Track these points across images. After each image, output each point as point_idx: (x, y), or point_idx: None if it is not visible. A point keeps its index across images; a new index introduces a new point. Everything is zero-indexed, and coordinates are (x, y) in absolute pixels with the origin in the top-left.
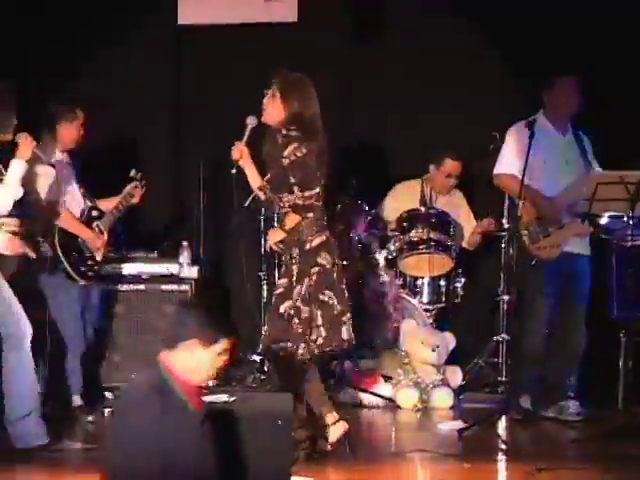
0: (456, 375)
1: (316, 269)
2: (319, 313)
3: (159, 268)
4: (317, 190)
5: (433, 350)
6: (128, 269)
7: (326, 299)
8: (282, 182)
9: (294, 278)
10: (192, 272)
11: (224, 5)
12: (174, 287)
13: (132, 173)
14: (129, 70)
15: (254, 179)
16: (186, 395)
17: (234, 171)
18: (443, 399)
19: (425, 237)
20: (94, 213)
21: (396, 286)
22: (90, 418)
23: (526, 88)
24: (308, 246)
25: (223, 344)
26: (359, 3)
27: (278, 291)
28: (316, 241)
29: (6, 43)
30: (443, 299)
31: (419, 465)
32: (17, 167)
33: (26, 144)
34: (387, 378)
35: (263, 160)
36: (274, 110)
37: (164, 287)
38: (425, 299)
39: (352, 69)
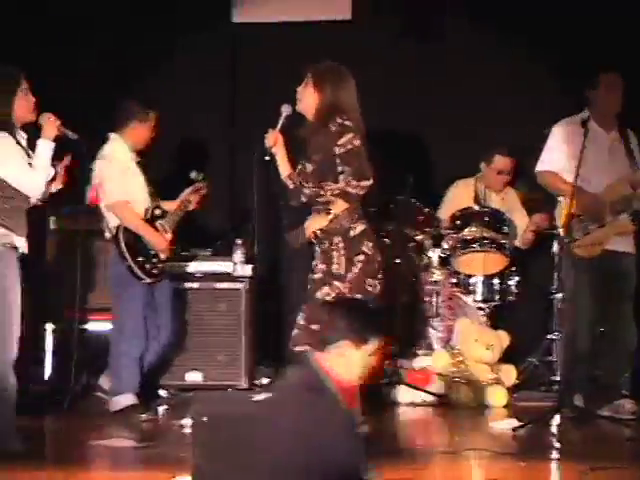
0: (510, 373)
1: (361, 257)
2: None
3: (213, 266)
4: (372, 181)
5: (487, 348)
6: (182, 267)
7: (370, 289)
8: (328, 170)
9: (334, 266)
10: (246, 270)
11: (279, 3)
12: (228, 285)
13: (193, 175)
14: (184, 70)
15: (284, 167)
16: (341, 395)
17: (267, 158)
18: (497, 398)
19: (479, 235)
20: (157, 212)
21: (450, 284)
22: (144, 416)
23: (574, 87)
24: (352, 233)
25: (374, 344)
26: (411, 2)
27: (316, 276)
28: (359, 229)
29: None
30: (497, 297)
31: (473, 464)
32: (44, 148)
33: (50, 123)
34: (441, 376)
35: (300, 147)
36: (308, 99)
37: (218, 285)
38: (479, 297)
39: (405, 67)
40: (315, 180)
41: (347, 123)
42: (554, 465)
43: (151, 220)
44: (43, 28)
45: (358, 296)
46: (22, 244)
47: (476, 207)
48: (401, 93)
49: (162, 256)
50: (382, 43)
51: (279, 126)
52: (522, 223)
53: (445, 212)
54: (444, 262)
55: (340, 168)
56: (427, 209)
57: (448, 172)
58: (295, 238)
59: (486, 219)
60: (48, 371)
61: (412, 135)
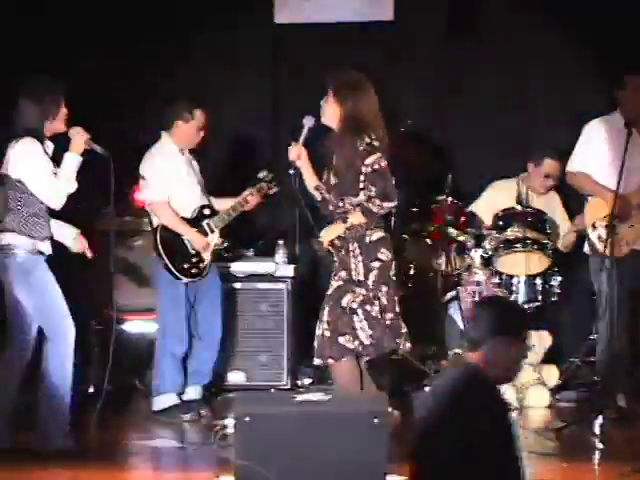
0: (552, 374)
1: (377, 264)
2: (376, 310)
3: (255, 266)
4: (396, 202)
5: (529, 349)
6: (225, 268)
7: (382, 297)
8: (351, 186)
9: (353, 272)
10: (288, 271)
11: (321, 4)
12: (270, 286)
13: (261, 174)
14: (225, 70)
15: (311, 179)
16: (495, 390)
17: (292, 171)
18: (539, 398)
19: (521, 235)
20: (206, 211)
21: (492, 285)
22: (187, 417)
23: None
24: (367, 240)
25: (526, 339)
26: (454, 2)
27: (337, 284)
28: (375, 236)
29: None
30: (539, 298)
31: None
32: (70, 161)
33: (79, 137)
34: None
35: (323, 160)
36: (330, 110)
37: (260, 285)
38: (521, 298)
39: (447, 68)
40: (337, 193)
41: (375, 143)
42: (596, 466)
43: (198, 219)
44: (44, 28)
45: (375, 303)
46: (46, 248)
47: (519, 207)
48: (441, 93)
49: (205, 255)
50: (424, 43)
51: (302, 139)
52: (564, 226)
53: (485, 212)
54: (486, 262)
55: (362, 185)
56: (468, 209)
57: (488, 171)
58: (320, 245)
59: (529, 219)
60: (90, 371)
61: (452, 135)
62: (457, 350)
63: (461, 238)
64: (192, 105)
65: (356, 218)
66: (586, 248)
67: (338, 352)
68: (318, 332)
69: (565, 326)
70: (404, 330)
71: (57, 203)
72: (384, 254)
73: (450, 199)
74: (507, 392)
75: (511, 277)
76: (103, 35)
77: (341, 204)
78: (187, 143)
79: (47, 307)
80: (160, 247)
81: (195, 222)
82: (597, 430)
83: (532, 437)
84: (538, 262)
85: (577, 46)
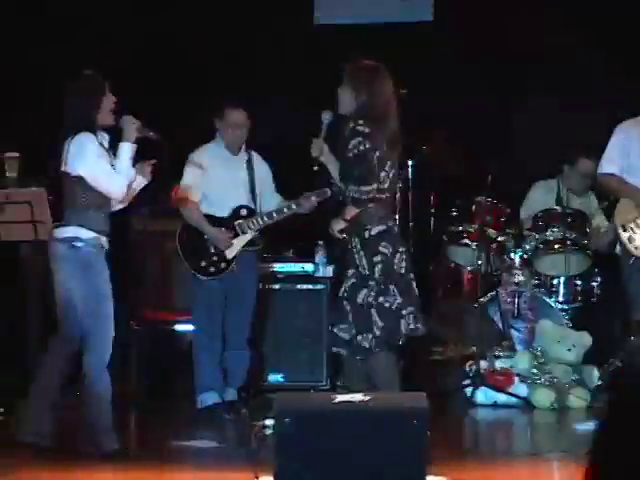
0: (592, 375)
1: (378, 258)
2: (386, 309)
3: (295, 267)
4: (374, 186)
5: (569, 350)
6: (265, 269)
7: (391, 289)
8: (347, 173)
9: (360, 268)
10: (327, 271)
11: (360, 5)
12: (309, 286)
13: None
14: (260, 69)
15: (336, 173)
16: None
17: (316, 168)
18: (579, 399)
19: (561, 236)
20: (243, 212)
21: (532, 285)
22: (228, 416)
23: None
24: (367, 234)
25: None
26: (491, 2)
27: (350, 282)
28: (375, 230)
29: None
30: (579, 298)
31: (556, 466)
32: (125, 150)
33: (130, 125)
34: (522, 378)
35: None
36: (345, 99)
37: (299, 286)
38: (561, 298)
39: (484, 69)
40: (342, 182)
41: (359, 128)
42: None
43: (230, 219)
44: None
45: (383, 299)
46: (106, 242)
47: (559, 208)
48: (479, 93)
49: (228, 255)
50: (463, 44)
51: (322, 134)
52: (602, 226)
53: (525, 213)
54: (526, 263)
55: (354, 172)
56: (509, 209)
57: (528, 172)
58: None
59: (569, 220)
60: (132, 370)
61: (491, 135)
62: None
63: (500, 239)
64: (223, 105)
65: (349, 212)
66: (618, 249)
67: (359, 351)
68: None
69: (605, 327)
70: (403, 329)
71: (118, 194)
72: (385, 248)
73: (490, 199)
74: (547, 393)
75: (551, 278)
76: (136, 35)
77: (347, 193)
78: (229, 143)
79: (98, 304)
80: (178, 245)
81: (226, 221)
82: None
83: (572, 438)
84: (578, 263)
85: (613, 45)
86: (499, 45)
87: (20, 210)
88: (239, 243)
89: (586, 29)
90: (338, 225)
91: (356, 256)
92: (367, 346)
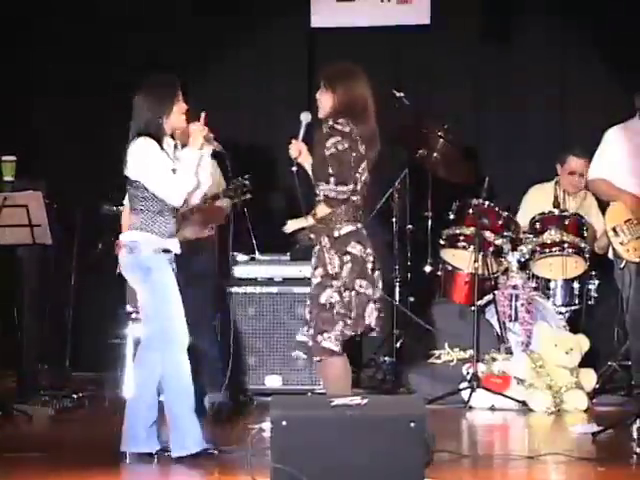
0: (590, 378)
1: (348, 257)
2: (355, 302)
3: (291, 271)
4: (351, 187)
5: (566, 352)
6: (260, 272)
7: (361, 290)
8: (321, 171)
9: (329, 267)
10: None
11: (357, 8)
12: (306, 290)
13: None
14: (260, 73)
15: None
16: None
17: (294, 169)
18: (577, 402)
19: (558, 239)
20: None
21: (529, 288)
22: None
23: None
24: (337, 233)
25: None
26: (488, 4)
27: (316, 281)
28: (345, 229)
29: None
30: (576, 301)
31: (552, 468)
32: (189, 156)
33: (198, 133)
34: (519, 381)
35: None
36: (325, 102)
37: (296, 290)
38: (558, 301)
39: (482, 70)
40: (314, 180)
41: (337, 127)
42: (635, 470)
43: None
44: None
45: (348, 295)
46: (173, 245)
47: (556, 211)
48: (476, 95)
49: None
50: (458, 46)
51: (301, 135)
52: (599, 228)
53: (522, 216)
54: (523, 266)
55: (330, 170)
56: (505, 212)
57: (524, 174)
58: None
59: (565, 223)
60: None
61: (488, 137)
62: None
63: (497, 242)
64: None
65: (321, 210)
66: (610, 253)
67: (317, 351)
68: (306, 332)
69: (602, 330)
70: (371, 323)
71: (176, 200)
72: (355, 248)
73: (487, 202)
74: (544, 396)
75: (548, 281)
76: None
77: (317, 191)
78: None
79: (165, 308)
80: None
81: None
82: (635, 434)
83: (569, 441)
84: (575, 266)
85: (612, 47)
86: (492, 45)
87: (17, 213)
88: None
89: (581, 28)
90: (302, 222)
91: (326, 255)
92: (327, 346)
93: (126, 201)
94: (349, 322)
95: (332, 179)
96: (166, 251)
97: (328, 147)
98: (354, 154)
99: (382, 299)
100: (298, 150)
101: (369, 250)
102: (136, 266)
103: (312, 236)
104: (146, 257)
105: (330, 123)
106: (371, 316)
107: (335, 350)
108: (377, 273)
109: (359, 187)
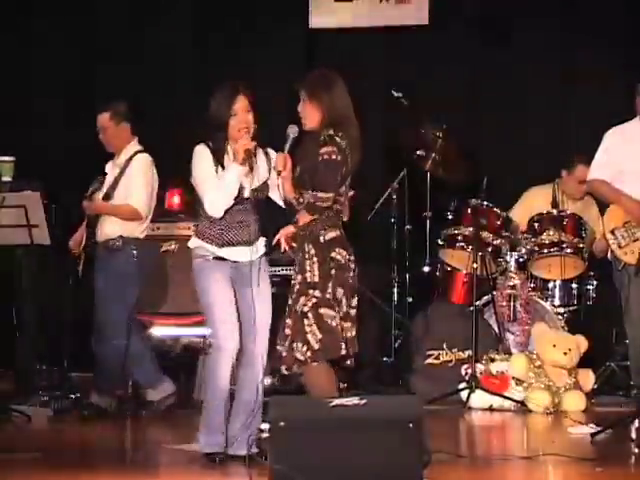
0: (588, 378)
1: (332, 264)
2: (328, 325)
3: (289, 271)
4: (331, 194)
5: (565, 353)
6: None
7: (340, 297)
8: (308, 179)
9: (308, 274)
10: None
11: (356, 8)
12: None
13: None
14: (258, 72)
15: (290, 189)
16: None
17: (279, 181)
18: (575, 402)
19: (557, 239)
20: None
21: (527, 289)
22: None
23: None
24: (322, 239)
25: None
26: (488, 4)
27: (295, 288)
28: (330, 235)
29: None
30: (575, 302)
31: (551, 469)
32: (230, 171)
33: (240, 147)
34: (518, 381)
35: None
36: (309, 114)
37: None
38: (557, 302)
39: (482, 70)
40: (297, 187)
41: (336, 138)
42: (633, 470)
43: None
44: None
45: (332, 306)
46: (228, 253)
47: (554, 211)
48: (474, 95)
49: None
50: (460, 46)
51: (287, 148)
52: (599, 232)
53: (520, 217)
54: (522, 266)
55: (318, 177)
56: (504, 212)
57: (523, 174)
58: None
59: (564, 223)
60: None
61: (486, 137)
62: (492, 355)
63: (496, 242)
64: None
65: (303, 217)
66: (609, 254)
67: (290, 361)
68: (280, 340)
69: (601, 330)
70: (353, 338)
71: (211, 211)
72: (339, 254)
73: (485, 203)
74: (542, 396)
75: (547, 281)
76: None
77: (300, 199)
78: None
79: (207, 312)
80: None
81: None
82: (633, 434)
83: (567, 442)
84: (573, 266)
85: (611, 47)
86: (492, 46)
87: (15, 214)
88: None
89: (582, 30)
90: (288, 230)
91: (307, 262)
92: (301, 358)
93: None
94: (319, 345)
95: (317, 186)
96: (222, 259)
97: (322, 153)
98: (344, 168)
99: (352, 315)
100: (284, 163)
101: (352, 257)
102: (195, 270)
103: (294, 244)
104: (197, 263)
105: (330, 133)
106: (346, 344)
107: (308, 362)
108: (356, 280)
109: (342, 197)
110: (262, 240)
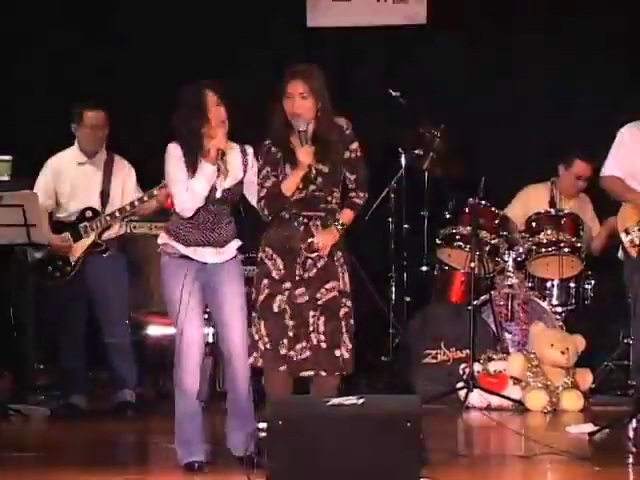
0: (586, 377)
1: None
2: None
3: None
4: (367, 195)
5: (562, 352)
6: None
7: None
8: (339, 176)
9: (341, 282)
10: None
11: (353, 8)
12: None
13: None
14: (257, 73)
15: (295, 185)
16: None
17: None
18: (573, 402)
19: (554, 239)
20: (88, 214)
21: (525, 288)
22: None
23: None
24: (344, 246)
25: None
26: (486, 4)
27: (332, 295)
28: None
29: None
30: (573, 301)
31: (548, 468)
32: (203, 170)
33: (214, 147)
34: (516, 380)
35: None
36: (310, 106)
37: None
38: (554, 301)
39: (481, 70)
40: (327, 186)
41: (353, 134)
42: (631, 470)
43: (77, 222)
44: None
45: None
46: (193, 253)
47: (552, 210)
48: (473, 95)
49: (71, 258)
50: (459, 46)
51: (307, 141)
52: (595, 229)
53: (517, 216)
54: (519, 266)
55: (352, 176)
56: (502, 211)
57: (521, 173)
58: (312, 251)
59: (562, 222)
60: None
61: (484, 136)
62: (490, 354)
63: (494, 241)
64: (81, 108)
65: (347, 217)
66: (620, 254)
67: (331, 366)
68: (313, 341)
69: (598, 330)
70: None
71: (181, 210)
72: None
73: (483, 202)
74: (540, 395)
75: (544, 280)
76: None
77: (330, 198)
78: (84, 145)
79: (170, 312)
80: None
81: (72, 225)
82: (631, 434)
83: (564, 441)
84: (571, 265)
85: (611, 46)
86: (490, 45)
87: (13, 213)
88: (82, 246)
89: (582, 27)
90: (336, 235)
91: (339, 269)
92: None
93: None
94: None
95: (361, 184)
96: (188, 258)
97: (354, 150)
98: None
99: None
100: (311, 155)
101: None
102: (160, 268)
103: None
104: (164, 260)
105: (351, 127)
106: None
107: (341, 367)
108: None
109: None
110: (236, 242)
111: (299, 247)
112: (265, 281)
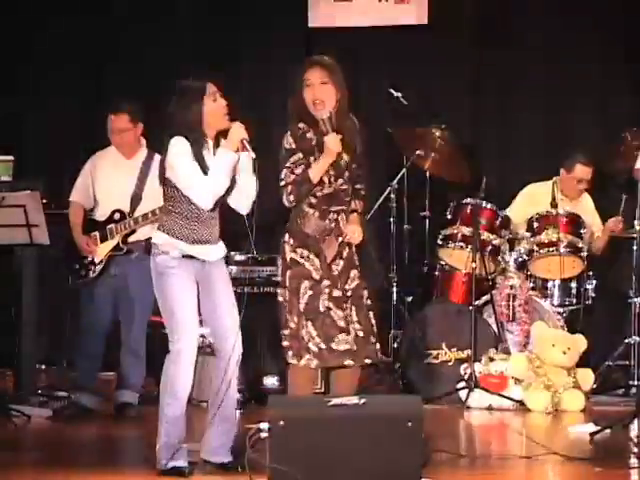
0: (587, 378)
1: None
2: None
3: None
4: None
5: (564, 352)
6: (258, 272)
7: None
8: (358, 168)
9: (359, 268)
10: None
11: (354, 8)
12: None
13: None
14: (257, 73)
15: (322, 170)
16: None
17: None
18: (574, 402)
19: (556, 239)
20: (116, 216)
21: (526, 288)
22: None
23: None
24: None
25: None
26: (487, 4)
27: (356, 283)
28: None
29: None
30: (574, 301)
31: (550, 469)
32: (221, 157)
33: (236, 134)
34: (517, 381)
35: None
36: (332, 95)
37: None
38: (556, 301)
39: (481, 70)
40: (351, 180)
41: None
42: (632, 470)
43: (106, 223)
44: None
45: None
46: (198, 251)
47: (553, 211)
48: (474, 95)
49: (96, 259)
50: (457, 46)
51: (332, 129)
52: (596, 229)
53: (519, 216)
54: (521, 266)
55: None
56: (503, 212)
57: (522, 174)
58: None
59: (563, 222)
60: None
61: (485, 136)
62: (491, 355)
63: (495, 242)
64: (107, 112)
65: (360, 207)
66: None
67: (370, 353)
68: (352, 333)
69: (600, 330)
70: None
71: (204, 203)
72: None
73: (484, 202)
74: (541, 396)
75: (546, 281)
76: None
77: (350, 191)
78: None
79: (168, 313)
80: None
81: (102, 225)
82: (633, 434)
83: (566, 441)
84: (573, 266)
85: (611, 47)
86: (492, 46)
87: (15, 214)
88: (106, 247)
89: (582, 28)
90: (362, 225)
91: (354, 257)
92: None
93: (75, 197)
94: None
95: (365, 178)
96: (190, 257)
97: (363, 142)
98: None
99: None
100: (339, 143)
101: None
102: (152, 269)
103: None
104: (159, 260)
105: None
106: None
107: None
108: None
109: None
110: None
111: (335, 244)
112: (306, 283)
